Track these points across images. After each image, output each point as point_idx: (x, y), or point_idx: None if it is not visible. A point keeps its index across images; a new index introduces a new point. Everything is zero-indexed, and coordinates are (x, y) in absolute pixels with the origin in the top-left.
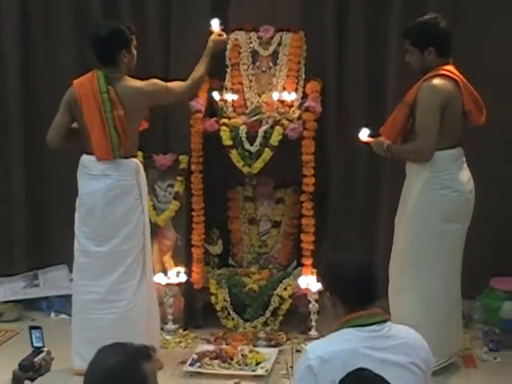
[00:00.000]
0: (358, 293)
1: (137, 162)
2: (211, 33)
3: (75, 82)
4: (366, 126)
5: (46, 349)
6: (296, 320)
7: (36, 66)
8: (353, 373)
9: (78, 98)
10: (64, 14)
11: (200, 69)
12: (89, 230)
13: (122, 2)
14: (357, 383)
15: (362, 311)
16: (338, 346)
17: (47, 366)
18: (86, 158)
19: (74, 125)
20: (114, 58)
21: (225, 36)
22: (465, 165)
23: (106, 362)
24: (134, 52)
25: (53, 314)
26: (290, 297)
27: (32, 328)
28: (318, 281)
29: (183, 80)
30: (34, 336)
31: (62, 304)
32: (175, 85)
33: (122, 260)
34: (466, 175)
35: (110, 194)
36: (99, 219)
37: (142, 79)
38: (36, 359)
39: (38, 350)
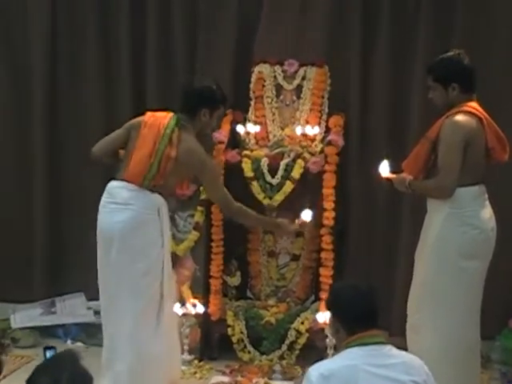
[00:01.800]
0: (359, 316)
1: (161, 199)
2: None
3: (148, 112)
4: (387, 157)
5: None
6: (313, 354)
7: (61, 106)
8: None
9: (142, 124)
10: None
11: (255, 216)
12: (107, 265)
13: (149, 49)
14: None
15: (363, 333)
16: (339, 362)
17: None
18: (113, 184)
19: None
20: (194, 110)
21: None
22: (487, 202)
23: (61, 381)
24: (215, 121)
25: (69, 342)
26: (307, 331)
27: (47, 348)
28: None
29: None
30: (48, 356)
31: (79, 331)
32: (224, 192)
33: (139, 297)
34: (487, 213)
35: (130, 224)
36: (117, 252)
37: None
38: None
39: None
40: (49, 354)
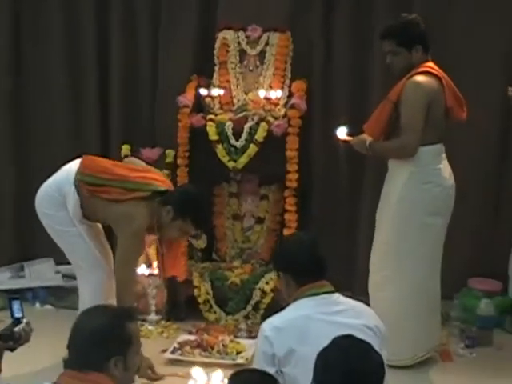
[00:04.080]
0: (308, 267)
1: (68, 185)
2: None
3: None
4: (344, 123)
5: (25, 319)
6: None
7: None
8: (336, 339)
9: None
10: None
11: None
12: None
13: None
14: (340, 350)
15: (311, 284)
16: (292, 314)
17: (27, 337)
18: None
19: None
20: (164, 203)
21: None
22: (446, 161)
23: (91, 324)
24: (174, 230)
25: (38, 305)
26: (271, 291)
27: (12, 299)
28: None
29: None
30: (14, 307)
31: (47, 295)
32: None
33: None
34: (447, 171)
35: (37, 200)
36: None
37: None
38: (16, 329)
39: (17, 321)
40: (15, 304)
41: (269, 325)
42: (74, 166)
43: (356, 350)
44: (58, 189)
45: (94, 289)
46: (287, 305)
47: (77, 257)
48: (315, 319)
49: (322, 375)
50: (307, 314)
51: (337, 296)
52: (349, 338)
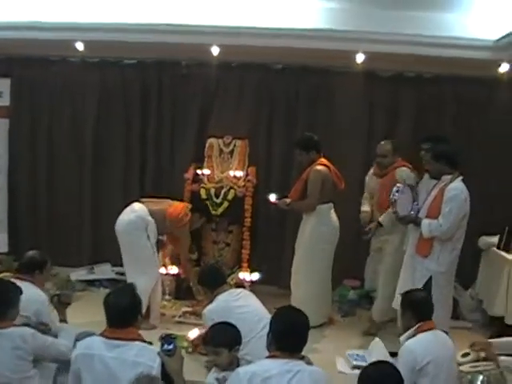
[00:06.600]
0: (214, 280)
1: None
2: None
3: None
4: (274, 192)
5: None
6: None
7: None
8: (279, 308)
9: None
10: None
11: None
12: None
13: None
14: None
15: (220, 288)
16: (216, 303)
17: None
18: None
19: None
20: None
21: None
22: (333, 212)
23: (123, 300)
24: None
25: (101, 289)
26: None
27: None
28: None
29: None
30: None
31: (108, 284)
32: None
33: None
34: (334, 218)
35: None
36: None
37: None
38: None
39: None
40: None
41: (207, 310)
42: (140, 205)
43: (291, 310)
44: (141, 219)
45: (147, 282)
46: (212, 300)
47: (140, 260)
48: (231, 301)
49: (273, 325)
50: (226, 299)
51: (233, 289)
52: (288, 307)
